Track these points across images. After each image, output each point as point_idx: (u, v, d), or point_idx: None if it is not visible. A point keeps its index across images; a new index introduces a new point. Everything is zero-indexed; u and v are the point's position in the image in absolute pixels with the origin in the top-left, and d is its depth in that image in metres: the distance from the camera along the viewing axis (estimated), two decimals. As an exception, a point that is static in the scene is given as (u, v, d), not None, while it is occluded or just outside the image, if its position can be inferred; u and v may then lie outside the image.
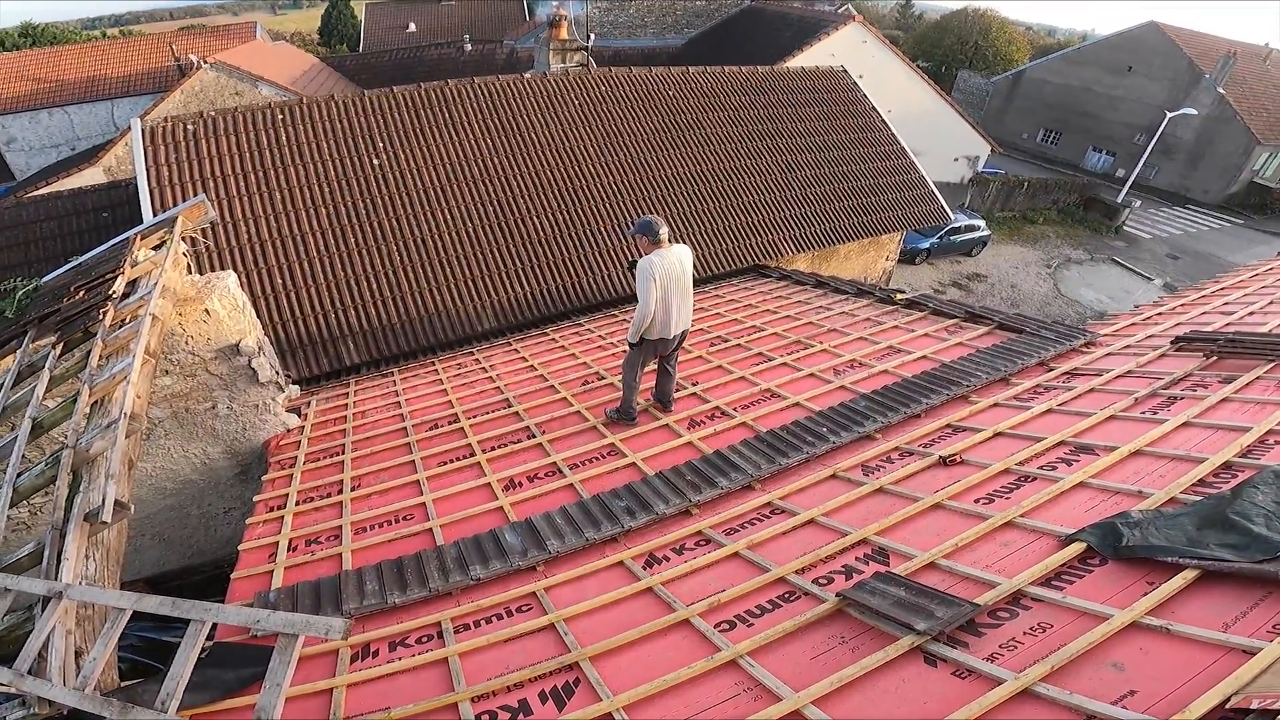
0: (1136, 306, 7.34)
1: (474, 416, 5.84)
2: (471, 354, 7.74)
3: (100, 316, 4.14)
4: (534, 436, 5.33)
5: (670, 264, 4.75)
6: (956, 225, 20.82)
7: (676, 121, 10.88)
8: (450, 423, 5.79)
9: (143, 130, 8.28)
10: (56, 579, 2.71)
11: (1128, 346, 5.73)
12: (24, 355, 4.17)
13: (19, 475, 3.38)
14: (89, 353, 3.91)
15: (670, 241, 4.84)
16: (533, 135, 9.87)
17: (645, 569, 3.62)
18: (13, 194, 17.30)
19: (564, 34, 11.90)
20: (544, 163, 9.67)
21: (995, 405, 4.96)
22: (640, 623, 3.13)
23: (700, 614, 3.13)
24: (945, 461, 4.19)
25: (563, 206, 9.41)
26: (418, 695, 2.87)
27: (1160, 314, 6.70)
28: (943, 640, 2.64)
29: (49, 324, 4.39)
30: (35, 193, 13.85)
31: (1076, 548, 3.06)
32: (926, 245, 20.90)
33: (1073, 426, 4.31)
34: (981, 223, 22.26)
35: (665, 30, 30.48)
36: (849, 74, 13.21)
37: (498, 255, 8.82)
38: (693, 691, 2.68)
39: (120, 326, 4.18)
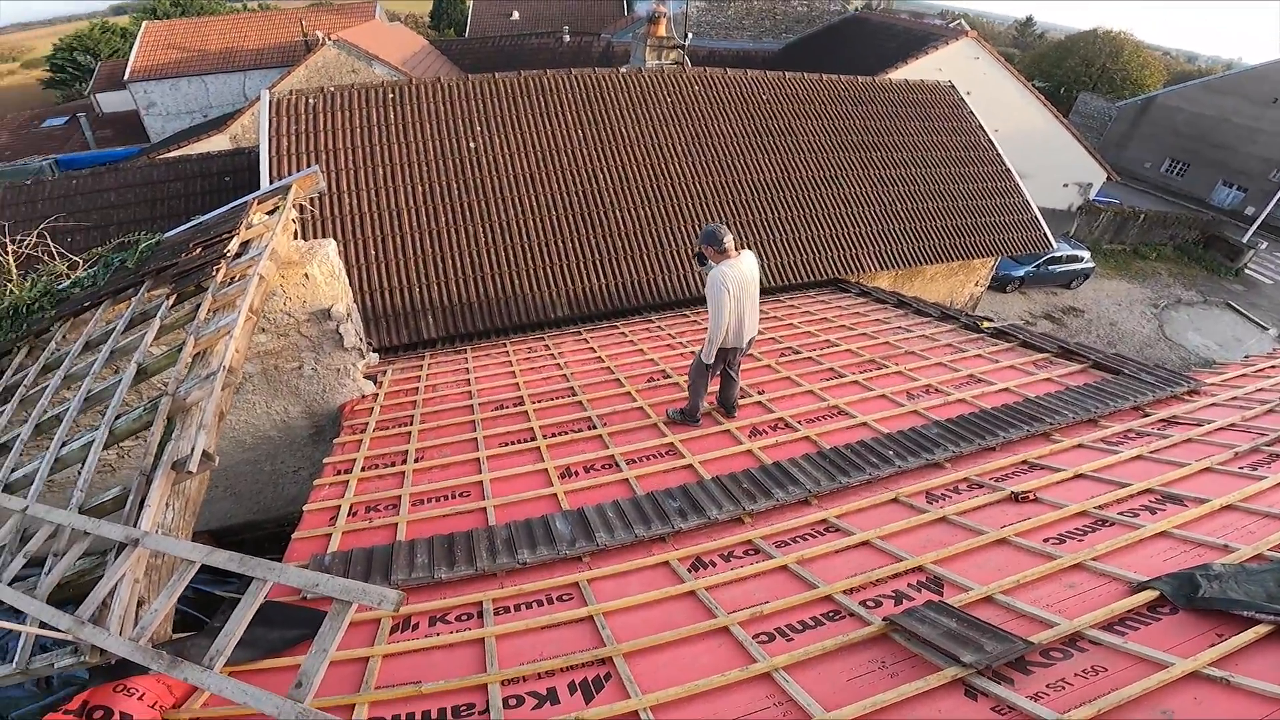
0: (1247, 357, 6.80)
1: (538, 401, 5.96)
2: (542, 339, 7.91)
3: (214, 273, 4.36)
4: (595, 428, 5.38)
5: (742, 274, 4.69)
6: (1057, 255, 19.64)
7: (768, 126, 10.75)
8: (515, 405, 5.92)
9: (270, 102, 8.89)
10: (135, 525, 2.80)
11: (1234, 398, 5.29)
12: (138, 303, 4.46)
13: (117, 418, 3.52)
14: (199, 306, 4.11)
15: (737, 249, 4.77)
16: (623, 129, 9.97)
17: (691, 572, 3.60)
18: (145, 154, 18.88)
19: (662, 31, 11.91)
20: (631, 157, 9.76)
21: (1079, 446, 4.67)
22: (679, 625, 3.12)
23: (740, 623, 3.09)
24: (1017, 498, 3.98)
25: (645, 202, 9.47)
26: (450, 673, 2.91)
27: (1273, 366, 6.16)
28: (988, 675, 2.53)
29: (165, 276, 4.66)
30: (166, 155, 15.06)
31: (1147, 595, 2.88)
32: (1021, 274, 19.84)
33: (1162, 475, 4.03)
34: (1086, 254, 20.86)
35: (763, 34, 30.08)
36: (956, 90, 12.68)
37: (577, 245, 8.97)
38: (722, 699, 2.66)
39: (230, 284, 4.39)
